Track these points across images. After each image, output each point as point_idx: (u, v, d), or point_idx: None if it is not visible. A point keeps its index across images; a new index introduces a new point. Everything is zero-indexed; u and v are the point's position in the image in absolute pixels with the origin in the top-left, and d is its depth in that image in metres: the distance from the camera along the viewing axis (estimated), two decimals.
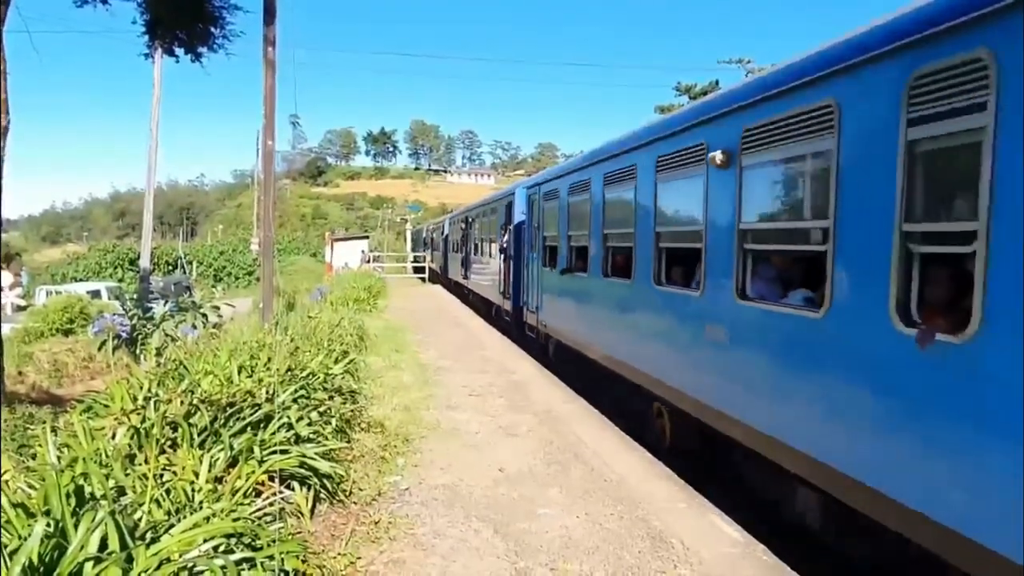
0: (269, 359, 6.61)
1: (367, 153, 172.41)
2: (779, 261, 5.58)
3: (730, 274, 5.56)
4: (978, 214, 3.30)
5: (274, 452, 4.62)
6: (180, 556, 3.06)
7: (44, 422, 4.87)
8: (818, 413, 4.52)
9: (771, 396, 5.09)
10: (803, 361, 4.74)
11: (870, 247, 4.01)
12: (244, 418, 4.89)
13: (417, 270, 38.79)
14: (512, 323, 14.71)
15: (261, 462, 4.36)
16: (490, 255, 18.29)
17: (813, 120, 4.57)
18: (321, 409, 5.87)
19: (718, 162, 5.67)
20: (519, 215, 14.56)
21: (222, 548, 3.26)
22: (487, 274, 18.57)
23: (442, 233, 31.47)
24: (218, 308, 12.81)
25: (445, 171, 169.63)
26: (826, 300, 4.41)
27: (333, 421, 5.88)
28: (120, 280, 38.55)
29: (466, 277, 22.73)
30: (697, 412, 6.21)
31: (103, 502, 3.17)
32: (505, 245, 15.76)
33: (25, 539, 2.80)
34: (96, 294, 27.47)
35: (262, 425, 4.96)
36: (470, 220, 22.57)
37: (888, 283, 3.83)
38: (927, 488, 3.57)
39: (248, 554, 3.30)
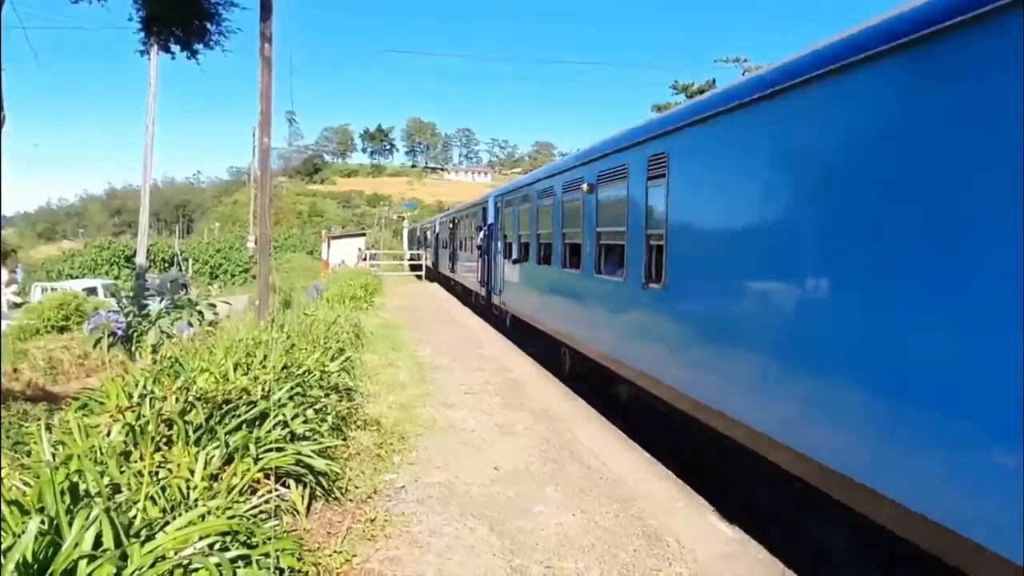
0: (265, 356, 6.60)
1: (364, 150, 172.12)
2: (612, 252, 8.61)
3: (593, 259, 8.98)
4: (666, 227, 6.67)
5: (270, 450, 4.62)
6: (175, 554, 3.06)
7: (39, 419, 4.86)
8: (621, 334, 8.11)
9: (605, 329, 8.63)
10: (617, 304, 8.28)
11: (636, 246, 7.48)
12: (240, 415, 4.89)
13: (414, 268, 38.80)
14: (485, 305, 18.59)
15: (257, 459, 4.36)
16: (470, 251, 21.38)
17: (619, 173, 8.10)
18: (317, 407, 5.87)
19: (586, 190, 9.22)
20: (491, 218, 17.55)
21: (217, 546, 3.26)
22: (468, 267, 21.97)
23: (434, 232, 34.99)
24: (214, 305, 12.73)
25: (442, 169, 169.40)
26: (624, 273, 7.87)
27: (329, 419, 5.88)
28: (116, 277, 38.38)
29: (452, 270, 26.57)
30: (577, 347, 9.90)
31: (98, 499, 3.16)
32: (480, 243, 19.00)
33: (19, 536, 2.79)
34: (92, 291, 27.33)
35: (258, 422, 4.95)
36: (456, 221, 26.08)
37: (641, 264, 7.33)
38: (652, 357, 7.15)
39: (244, 552, 3.30)
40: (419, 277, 36.22)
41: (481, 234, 18.91)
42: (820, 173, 4.45)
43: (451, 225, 27.14)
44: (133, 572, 2.86)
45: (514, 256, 14.06)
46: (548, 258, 11.36)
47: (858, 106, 4.09)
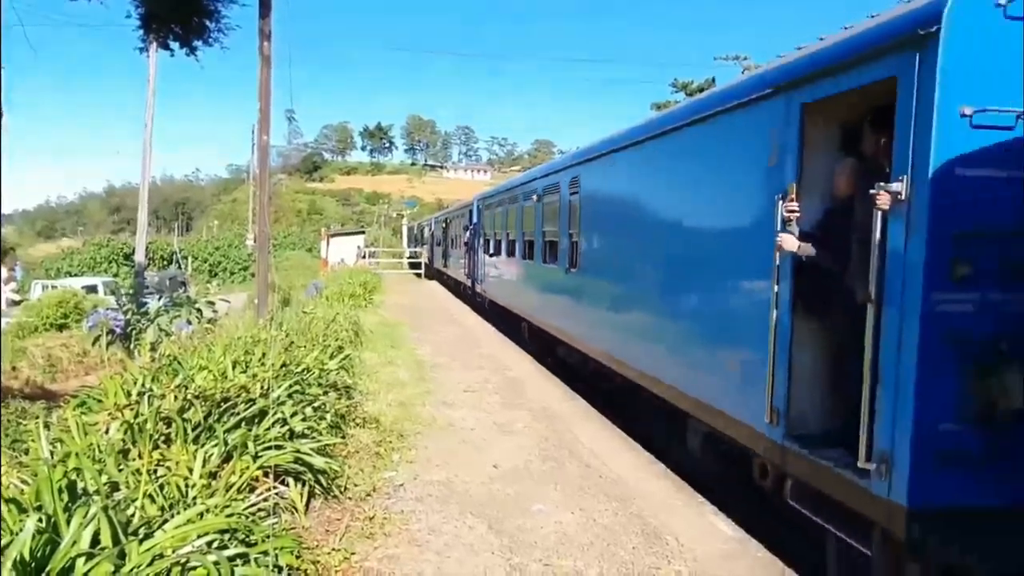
0: (264, 354, 6.59)
1: (363, 148, 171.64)
2: (552, 246, 10.82)
3: (541, 251, 11.65)
4: (580, 228, 9.25)
5: (268, 448, 4.61)
6: (173, 552, 3.05)
7: (37, 417, 4.85)
8: (556, 307, 10.57)
9: (548, 305, 11.21)
10: (554, 284, 10.64)
11: (564, 241, 9.97)
12: (238, 413, 4.88)
13: (414, 266, 38.79)
14: (471, 294, 21.15)
15: (255, 457, 4.35)
16: (460, 248, 24.02)
17: (555, 188, 10.66)
18: (316, 404, 5.86)
19: (535, 200, 11.85)
20: (475, 219, 19.96)
21: (216, 544, 3.25)
22: (458, 262, 24.82)
23: (430, 230, 37.66)
24: (213, 303, 12.72)
25: (441, 167, 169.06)
26: (558, 261, 10.27)
27: (328, 417, 5.87)
28: (115, 275, 38.27)
29: (445, 266, 29.49)
30: (531, 320, 12.64)
31: (96, 497, 3.15)
32: (467, 240, 21.51)
33: (17, 534, 2.78)
34: (92, 289, 27.28)
35: (256, 420, 4.94)
36: (448, 221, 29.02)
37: (567, 255, 9.70)
38: (576, 323, 9.48)
39: (242, 550, 3.29)
40: (418, 275, 36.20)
41: (468, 232, 21.33)
42: (650, 197, 7.01)
43: (444, 225, 30.10)
44: (131, 570, 2.85)
45: (491, 251, 17.02)
46: (512, 251, 14.26)
47: (667, 154, 6.63)
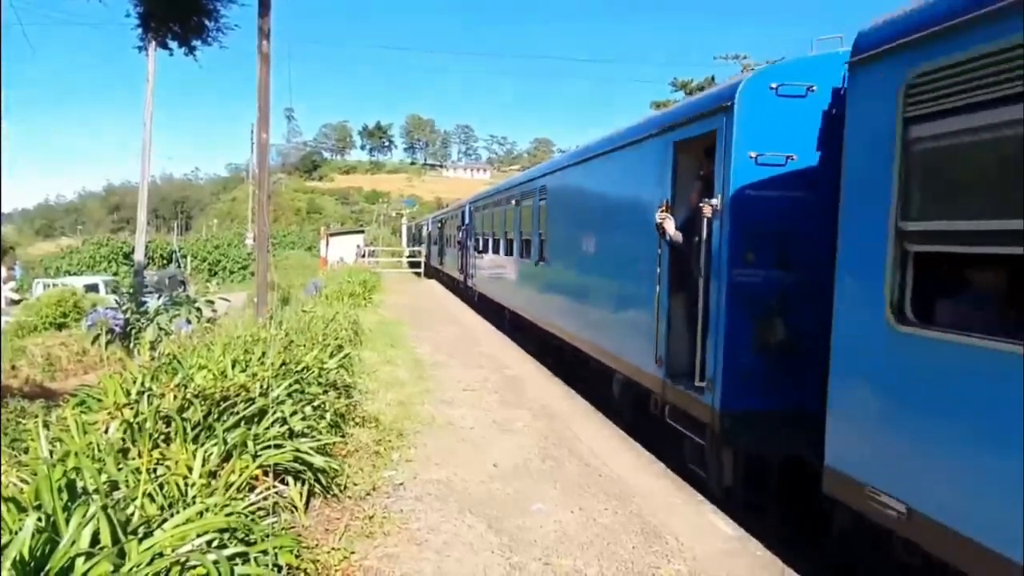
0: (263, 353, 6.59)
1: (362, 147, 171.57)
2: (527, 242, 12.51)
3: (519, 248, 13.29)
4: (547, 227, 11.26)
5: (268, 447, 4.61)
6: (173, 551, 3.05)
7: (37, 416, 4.84)
8: (528, 295, 12.56)
9: (522, 293, 13.12)
10: (528, 276, 12.47)
11: (536, 239, 11.84)
12: (238, 412, 4.87)
13: (413, 265, 38.79)
14: (463, 288, 23.08)
15: (255, 456, 4.35)
16: (454, 247, 26.37)
17: (529, 195, 12.51)
18: (315, 404, 5.86)
19: (514, 204, 13.67)
20: (468, 219, 21.63)
21: (215, 543, 3.25)
22: (452, 260, 27.12)
23: (427, 230, 39.81)
24: (212, 302, 12.72)
25: (441, 166, 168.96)
26: (531, 256, 12.08)
27: (327, 416, 5.87)
28: (115, 274, 38.25)
29: (441, 263, 31.77)
30: (509, 307, 14.59)
31: (95, 496, 3.15)
32: (460, 239, 23.41)
33: (16, 533, 2.78)
34: (94, 288, 27.28)
35: (256, 419, 4.94)
36: (444, 221, 31.28)
37: (539, 250, 11.62)
38: (544, 307, 11.39)
39: (241, 549, 3.29)
40: (418, 274, 36.19)
41: (460, 232, 23.50)
42: (589, 204, 8.86)
43: (440, 225, 32.48)
44: (131, 569, 2.84)
45: (480, 248, 19.03)
46: (497, 248, 16.23)
47: (598, 172, 8.59)
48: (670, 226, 6.13)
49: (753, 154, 5.09)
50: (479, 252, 18.99)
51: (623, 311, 7.59)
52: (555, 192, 10.73)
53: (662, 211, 6.24)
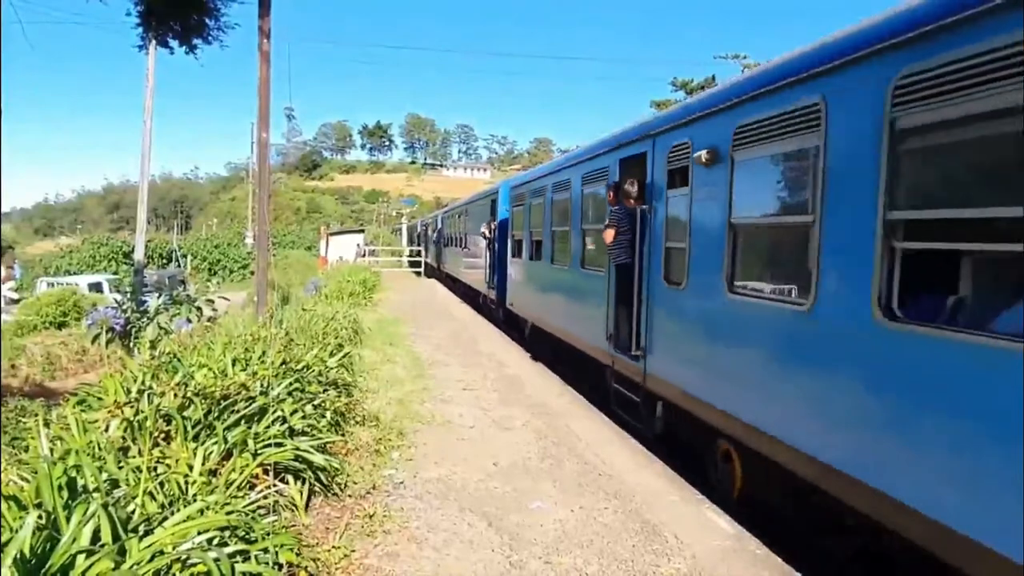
0: (263, 352, 6.59)
1: (362, 147, 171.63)
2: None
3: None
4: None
5: (268, 445, 4.61)
6: (173, 549, 3.05)
7: (37, 415, 4.85)
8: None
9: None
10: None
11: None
12: (238, 411, 4.88)
13: (414, 264, 38.77)
14: (452, 280, 25.80)
15: (255, 455, 4.35)
16: (445, 246, 29.01)
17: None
18: (315, 402, 5.86)
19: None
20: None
21: (216, 541, 3.25)
22: (445, 258, 29.51)
23: (424, 229, 42.47)
24: (212, 301, 12.74)
25: (441, 165, 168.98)
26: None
27: (327, 414, 5.87)
28: (115, 273, 38.26)
29: (438, 262, 33.87)
30: (488, 294, 17.47)
31: (96, 494, 3.16)
32: (445, 241, 26.47)
33: (17, 531, 2.78)
34: (98, 287, 27.30)
35: (256, 418, 4.94)
36: (439, 223, 33.64)
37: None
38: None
39: (242, 547, 3.30)
40: (418, 274, 36.20)
41: (443, 234, 26.80)
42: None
43: (436, 226, 34.73)
44: (131, 567, 2.85)
45: (454, 247, 24.01)
46: (462, 244, 19.26)
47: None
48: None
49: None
50: (446, 246, 22.22)
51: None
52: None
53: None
